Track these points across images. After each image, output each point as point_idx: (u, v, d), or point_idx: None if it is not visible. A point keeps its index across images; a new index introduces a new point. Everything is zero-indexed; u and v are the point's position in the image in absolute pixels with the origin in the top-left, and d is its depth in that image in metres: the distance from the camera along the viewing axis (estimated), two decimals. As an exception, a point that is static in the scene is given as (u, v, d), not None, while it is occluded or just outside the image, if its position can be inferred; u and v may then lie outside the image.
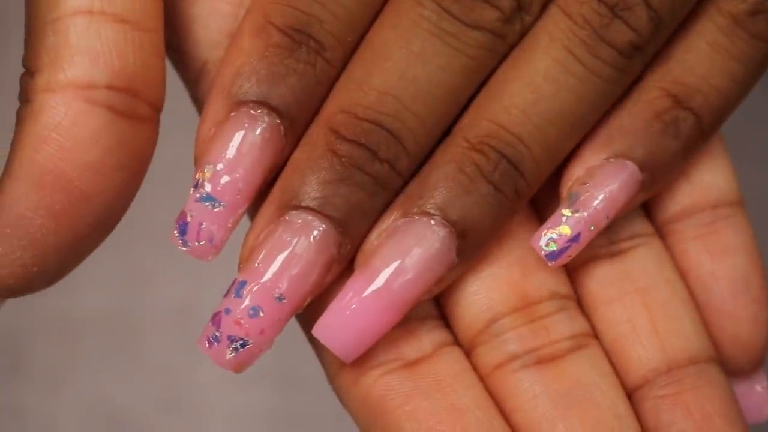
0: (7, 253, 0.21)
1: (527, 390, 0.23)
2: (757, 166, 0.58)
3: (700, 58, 0.24)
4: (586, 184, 0.24)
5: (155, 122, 0.22)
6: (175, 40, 0.24)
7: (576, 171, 0.24)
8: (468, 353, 0.24)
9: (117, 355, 0.57)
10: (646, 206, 0.26)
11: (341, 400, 0.24)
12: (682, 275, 0.26)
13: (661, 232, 0.26)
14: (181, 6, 0.24)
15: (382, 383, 0.23)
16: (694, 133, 0.24)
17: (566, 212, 0.23)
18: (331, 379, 0.24)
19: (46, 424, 0.57)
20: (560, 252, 0.23)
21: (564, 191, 0.24)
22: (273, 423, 0.57)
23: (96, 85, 0.21)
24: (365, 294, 0.22)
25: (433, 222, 0.22)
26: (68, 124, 0.21)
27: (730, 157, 0.26)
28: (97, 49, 0.21)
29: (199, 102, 0.25)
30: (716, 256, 0.25)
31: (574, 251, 0.24)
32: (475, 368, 0.24)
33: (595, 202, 0.23)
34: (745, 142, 0.58)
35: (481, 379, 0.24)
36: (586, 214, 0.23)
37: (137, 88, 0.21)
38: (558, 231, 0.23)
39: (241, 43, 0.23)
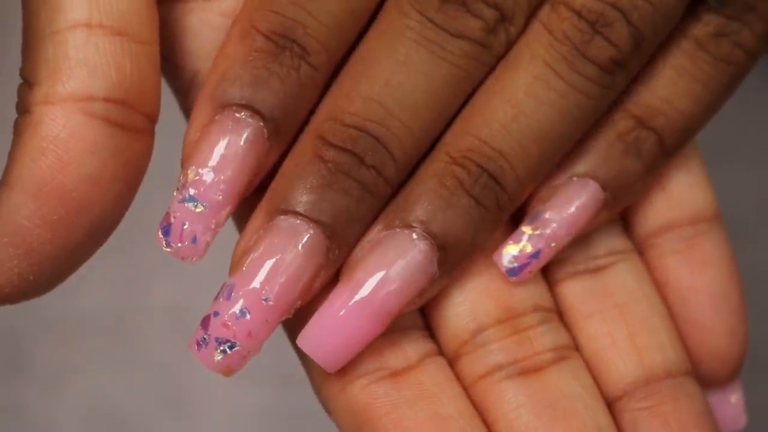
0: (4, 262, 0.21)
1: (511, 400, 0.24)
2: (756, 166, 0.58)
3: (663, 81, 0.24)
4: (548, 202, 0.24)
5: (151, 133, 0.23)
6: (166, 50, 0.24)
7: (540, 189, 0.24)
8: (452, 363, 0.24)
9: (117, 355, 0.58)
10: (625, 222, 0.26)
11: (326, 409, 0.25)
12: (661, 289, 0.26)
13: (640, 247, 0.26)
14: (173, 17, 0.24)
15: (367, 393, 0.24)
16: (656, 153, 0.24)
17: (527, 229, 0.24)
18: (317, 389, 0.25)
19: (47, 424, 0.57)
20: (521, 268, 0.24)
21: (528, 208, 0.24)
22: (273, 423, 0.57)
23: (94, 98, 0.21)
24: (348, 305, 0.23)
25: (414, 235, 0.23)
26: (67, 136, 0.21)
27: (707, 173, 0.27)
28: (96, 62, 0.21)
29: (189, 112, 0.25)
30: (695, 270, 0.26)
31: (534, 267, 0.24)
32: (459, 378, 0.24)
33: (556, 221, 0.24)
34: (744, 143, 0.58)
35: (465, 389, 0.24)
36: (546, 231, 0.24)
37: (134, 100, 0.22)
38: (518, 247, 0.24)
39: (226, 48, 0.23)
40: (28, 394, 0.57)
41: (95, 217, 0.22)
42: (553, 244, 0.24)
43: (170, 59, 0.25)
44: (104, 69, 0.21)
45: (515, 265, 0.24)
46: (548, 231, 0.24)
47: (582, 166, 0.24)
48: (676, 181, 0.26)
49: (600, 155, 0.24)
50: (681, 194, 0.26)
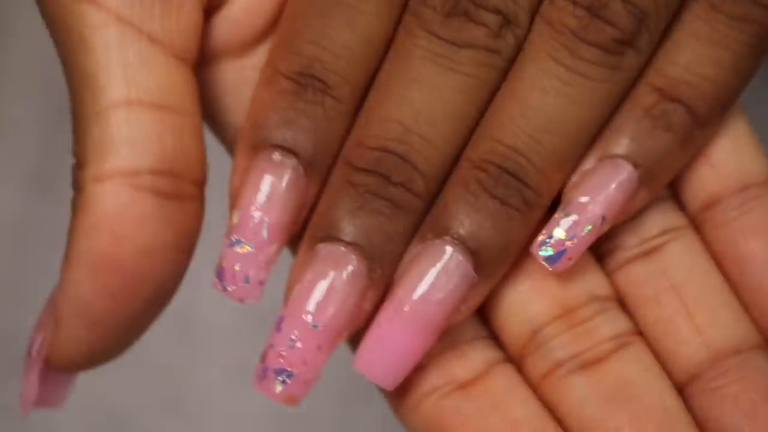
0: (72, 334, 0.23)
1: (575, 395, 0.24)
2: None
3: (681, 48, 0.24)
4: (579, 187, 0.24)
5: (200, 198, 0.24)
6: (210, 109, 0.26)
7: (573, 177, 0.24)
8: (519, 367, 0.25)
9: (117, 355, 0.58)
10: (677, 200, 0.26)
11: (407, 428, 0.25)
12: (719, 262, 0.26)
13: (695, 223, 0.26)
14: (211, 78, 0.26)
15: (438, 408, 0.25)
16: (687, 122, 0.24)
17: (559, 215, 0.24)
18: (395, 410, 0.26)
19: (47, 424, 0.57)
20: (558, 256, 0.24)
21: (561, 196, 0.25)
22: (273, 423, 0.57)
23: (139, 172, 0.22)
24: (393, 323, 0.23)
25: (447, 245, 0.23)
26: (117, 211, 0.22)
27: (755, 137, 0.26)
28: (137, 137, 0.22)
29: None
30: (749, 236, 0.26)
31: (573, 254, 0.24)
32: (526, 381, 0.25)
33: (588, 204, 0.24)
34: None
35: (534, 390, 0.25)
36: (580, 216, 0.24)
37: (179, 169, 0.23)
38: (553, 235, 0.24)
39: (255, 96, 0.24)
40: (28, 394, 0.57)
41: (154, 285, 0.23)
42: (588, 228, 0.24)
43: (214, 118, 0.26)
44: (146, 143, 0.22)
45: (551, 253, 0.24)
46: (582, 216, 0.24)
47: (611, 147, 0.24)
48: (720, 151, 0.26)
49: (628, 134, 0.24)
50: (726, 163, 0.26)
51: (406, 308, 0.23)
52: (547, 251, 0.24)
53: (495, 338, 0.26)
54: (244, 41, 0.25)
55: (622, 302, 0.26)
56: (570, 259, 0.24)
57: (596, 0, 0.23)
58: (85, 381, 0.57)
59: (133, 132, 0.22)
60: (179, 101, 0.23)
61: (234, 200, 0.24)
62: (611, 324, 0.25)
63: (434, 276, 0.23)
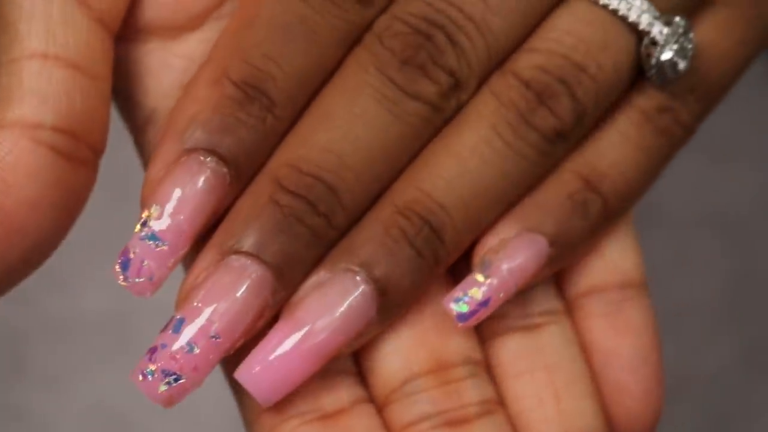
0: None
1: None
2: (757, 166, 0.58)
3: (611, 147, 0.25)
4: (499, 253, 0.25)
5: (94, 166, 0.24)
6: (125, 88, 0.26)
7: (490, 241, 0.25)
8: (380, 410, 0.25)
9: (117, 355, 0.58)
10: (558, 281, 0.27)
11: None
12: (586, 350, 0.27)
13: (570, 306, 0.27)
14: (132, 57, 0.25)
15: None
16: (600, 215, 0.25)
17: (479, 277, 0.25)
18: (249, 425, 0.25)
19: (46, 424, 0.57)
20: (470, 314, 0.25)
21: (477, 258, 0.25)
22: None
23: (42, 126, 0.22)
24: (287, 343, 0.23)
25: (357, 278, 0.24)
26: (12, 160, 0.22)
27: (636, 239, 0.28)
28: (47, 92, 0.22)
29: (143, 148, 0.26)
30: (619, 333, 0.27)
31: (483, 314, 0.25)
32: (386, 426, 0.25)
33: (506, 271, 0.25)
34: (745, 142, 0.58)
35: None
36: (496, 281, 0.24)
37: (81, 132, 0.23)
38: (470, 294, 0.24)
39: (196, 91, 0.24)
40: (28, 394, 0.57)
41: (31, 240, 0.23)
42: (501, 294, 0.25)
43: (129, 97, 0.26)
44: (55, 99, 0.22)
45: (465, 311, 0.24)
46: (499, 281, 0.25)
47: (532, 221, 0.25)
48: (608, 246, 0.27)
49: (550, 212, 0.25)
50: (613, 258, 0.27)
51: (305, 331, 0.23)
52: (462, 308, 0.24)
53: (361, 376, 0.26)
54: (174, 25, 0.25)
55: (491, 368, 0.26)
56: (478, 319, 0.25)
57: (547, 88, 0.24)
58: (85, 381, 0.57)
59: (44, 86, 0.22)
60: (93, 65, 0.23)
61: (153, 190, 0.24)
62: (480, 389, 0.25)
63: (341, 307, 0.23)
